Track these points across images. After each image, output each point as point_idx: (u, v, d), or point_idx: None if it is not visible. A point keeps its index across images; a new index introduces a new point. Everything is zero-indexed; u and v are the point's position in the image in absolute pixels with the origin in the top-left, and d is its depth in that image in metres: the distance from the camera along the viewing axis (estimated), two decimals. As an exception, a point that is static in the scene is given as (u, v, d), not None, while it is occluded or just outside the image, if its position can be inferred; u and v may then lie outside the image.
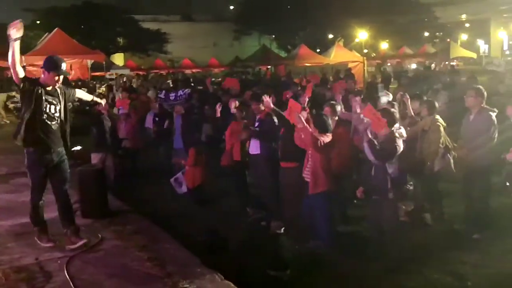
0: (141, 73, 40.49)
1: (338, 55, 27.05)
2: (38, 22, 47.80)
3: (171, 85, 21.40)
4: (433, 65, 30.26)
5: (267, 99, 7.78)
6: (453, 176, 7.95)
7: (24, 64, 17.50)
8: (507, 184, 5.67)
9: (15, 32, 5.61)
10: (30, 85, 5.92)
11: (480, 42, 74.23)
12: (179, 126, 10.72)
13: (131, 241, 6.60)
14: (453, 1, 69.05)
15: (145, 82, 26.40)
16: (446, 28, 67.93)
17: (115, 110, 13.58)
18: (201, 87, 17.74)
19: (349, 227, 7.92)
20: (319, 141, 6.68)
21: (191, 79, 27.29)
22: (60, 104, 6.17)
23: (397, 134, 6.34)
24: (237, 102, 9.89)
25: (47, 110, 6.03)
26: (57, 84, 6.12)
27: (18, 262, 5.96)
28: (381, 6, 50.55)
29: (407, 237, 6.91)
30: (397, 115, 6.95)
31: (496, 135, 7.11)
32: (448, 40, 43.74)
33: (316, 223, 7.03)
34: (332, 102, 8.40)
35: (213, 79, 31.53)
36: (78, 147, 11.23)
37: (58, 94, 6.16)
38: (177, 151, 10.73)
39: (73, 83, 26.46)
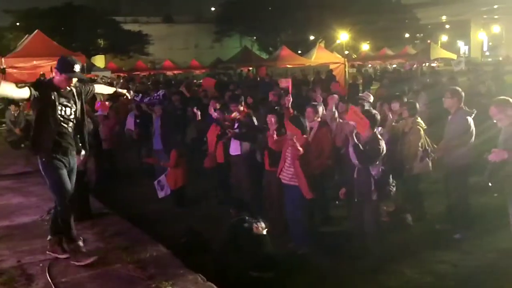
0: (122, 74, 40.29)
1: (319, 56, 27.10)
2: (18, 23, 47.39)
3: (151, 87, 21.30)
4: (414, 66, 30.51)
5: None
6: (433, 176, 8.05)
7: (4, 66, 17.35)
8: (490, 184, 5.76)
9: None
10: (42, 92, 5.53)
11: (460, 43, 75.00)
12: (158, 127, 10.72)
13: (112, 243, 6.59)
14: (433, 2, 69.64)
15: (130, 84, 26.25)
16: (427, 29, 68.59)
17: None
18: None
19: (332, 227, 8.00)
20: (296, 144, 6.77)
21: (173, 81, 27.18)
22: (75, 105, 5.84)
23: (379, 136, 6.41)
24: (217, 104, 9.92)
25: (63, 113, 5.72)
26: (70, 86, 5.81)
27: (-1, 265, 5.92)
28: (362, 8, 50.91)
29: (388, 238, 6.98)
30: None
31: (473, 135, 7.22)
32: (429, 41, 44.11)
33: (296, 223, 7.09)
34: (314, 103, 8.46)
35: (194, 80, 31.51)
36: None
37: (72, 95, 5.83)
38: (157, 152, 10.73)
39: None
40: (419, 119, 7.94)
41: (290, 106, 8.84)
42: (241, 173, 8.63)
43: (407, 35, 63.93)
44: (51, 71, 23.42)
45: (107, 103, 11.65)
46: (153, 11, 74.87)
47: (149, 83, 26.84)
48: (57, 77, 5.70)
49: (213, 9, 74.02)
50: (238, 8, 57.18)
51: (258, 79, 24.69)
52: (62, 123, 5.73)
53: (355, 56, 49.15)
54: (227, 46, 64.58)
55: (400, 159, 7.79)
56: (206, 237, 7.23)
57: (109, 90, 6.82)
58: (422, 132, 7.79)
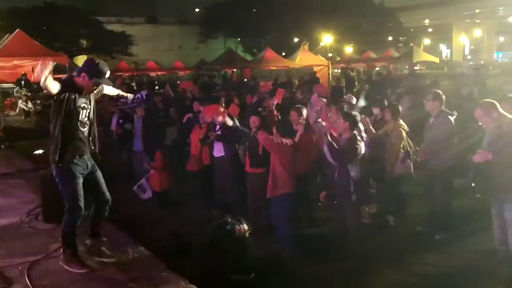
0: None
1: (303, 58, 27.22)
2: (-1, 23, 46.89)
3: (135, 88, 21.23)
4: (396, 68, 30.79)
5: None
6: (415, 178, 8.08)
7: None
8: (473, 185, 5.80)
9: (46, 71, 5.07)
10: (67, 95, 5.32)
11: (443, 47, 75.73)
12: (139, 128, 10.64)
13: (94, 245, 6.49)
14: (416, 6, 70.33)
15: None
16: (410, 32, 69.15)
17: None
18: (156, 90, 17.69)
19: (314, 229, 7.99)
20: (277, 143, 6.77)
21: (156, 82, 27.11)
22: (90, 107, 5.66)
23: (359, 137, 6.41)
24: (201, 107, 9.89)
25: (83, 117, 5.54)
26: (93, 91, 5.64)
27: (-23, 268, 5.82)
28: (346, 11, 51.20)
29: (370, 239, 6.99)
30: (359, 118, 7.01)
31: (455, 137, 7.27)
32: (412, 44, 44.45)
33: (279, 225, 7.08)
34: (298, 106, 8.45)
35: (178, 81, 31.38)
36: (40, 151, 11.02)
37: (89, 97, 5.65)
38: (136, 154, 10.66)
39: (35, 86, 26.05)
40: (401, 122, 7.98)
41: (274, 108, 8.84)
42: (224, 175, 8.60)
43: (390, 38, 64.36)
44: (33, 71, 23.29)
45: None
46: (137, 11, 74.56)
47: (132, 83, 26.75)
48: (83, 80, 5.44)
49: (197, 10, 73.97)
50: (222, 10, 57.23)
51: (246, 80, 24.69)
52: (81, 128, 5.58)
53: (339, 58, 49.35)
54: (211, 47, 64.54)
55: (382, 161, 7.82)
56: (189, 239, 7.19)
57: (115, 91, 6.52)
58: (404, 134, 7.82)
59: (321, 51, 42.69)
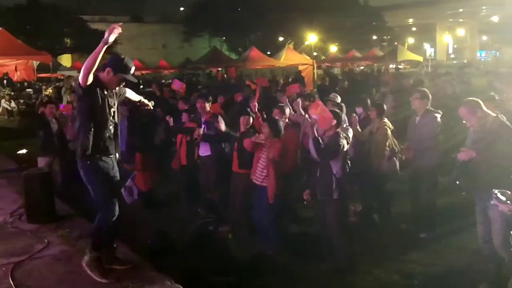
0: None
1: (288, 57, 27.31)
2: (-20, 21, 46.31)
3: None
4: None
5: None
6: (400, 177, 8.13)
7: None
8: (457, 183, 5.85)
9: (112, 36, 4.92)
10: (98, 90, 5.13)
11: (427, 46, 76.28)
12: (124, 129, 10.56)
13: (78, 245, 6.45)
14: (401, 5, 70.80)
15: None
16: (394, 31, 69.53)
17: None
18: (150, 89, 17.58)
19: (300, 228, 8.02)
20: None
21: (140, 81, 26.95)
22: (115, 108, 5.39)
23: (342, 135, 6.41)
24: (186, 106, 9.86)
25: (109, 115, 5.29)
26: (117, 90, 5.42)
27: (-41, 269, 5.75)
28: (331, 10, 51.32)
29: (355, 237, 7.01)
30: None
31: (441, 136, 7.32)
32: (396, 43, 44.71)
33: (263, 225, 7.09)
34: (280, 104, 8.46)
35: (163, 80, 31.29)
36: (24, 151, 10.95)
37: (113, 95, 5.40)
38: (123, 153, 10.56)
39: (19, 85, 25.82)
40: (386, 120, 8.01)
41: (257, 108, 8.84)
42: (210, 174, 8.58)
43: (374, 37, 64.66)
44: (16, 70, 23.05)
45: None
46: (121, 10, 74.12)
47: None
48: (108, 76, 5.22)
49: (182, 9, 73.74)
50: (207, 9, 57.08)
51: (233, 80, 24.68)
52: (109, 126, 5.32)
53: (324, 57, 49.50)
54: (196, 46, 64.37)
55: (368, 160, 7.84)
56: (174, 239, 7.16)
57: (137, 97, 6.16)
58: (389, 132, 7.86)
59: (306, 50, 42.74)
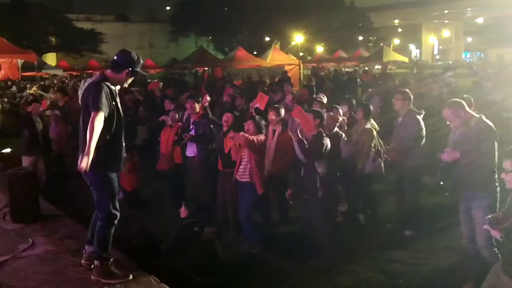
0: (74, 73, 39.50)
1: (274, 58, 27.34)
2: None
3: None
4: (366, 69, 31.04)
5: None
6: (385, 177, 8.18)
7: None
8: (441, 183, 5.91)
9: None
10: (113, 103, 4.86)
11: (412, 47, 76.80)
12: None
13: (63, 245, 6.41)
14: (387, 6, 71.16)
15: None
16: (380, 32, 69.83)
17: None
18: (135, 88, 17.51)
19: (286, 228, 8.03)
20: (255, 142, 6.83)
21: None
22: (118, 105, 5.10)
23: (324, 134, 6.44)
24: (172, 105, 9.85)
25: (122, 120, 5.08)
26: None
27: None
28: (317, 10, 51.43)
29: (340, 237, 7.04)
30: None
31: (424, 136, 7.37)
32: (382, 44, 44.91)
33: (248, 223, 7.10)
34: (276, 105, 8.43)
35: (149, 80, 31.13)
36: (8, 150, 10.86)
37: (116, 94, 5.09)
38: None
39: (3, 83, 25.58)
40: (372, 121, 8.05)
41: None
42: (197, 174, 8.56)
43: (360, 38, 64.90)
44: (0, 68, 22.79)
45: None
46: (106, 9, 73.72)
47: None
48: (116, 73, 5.00)
49: (168, 8, 73.49)
50: (193, 8, 56.97)
51: (221, 80, 24.64)
52: (122, 132, 5.13)
53: (310, 58, 49.58)
54: (182, 46, 64.23)
55: (352, 160, 7.87)
56: (159, 238, 7.14)
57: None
58: (374, 133, 7.90)
59: (292, 50, 42.82)
